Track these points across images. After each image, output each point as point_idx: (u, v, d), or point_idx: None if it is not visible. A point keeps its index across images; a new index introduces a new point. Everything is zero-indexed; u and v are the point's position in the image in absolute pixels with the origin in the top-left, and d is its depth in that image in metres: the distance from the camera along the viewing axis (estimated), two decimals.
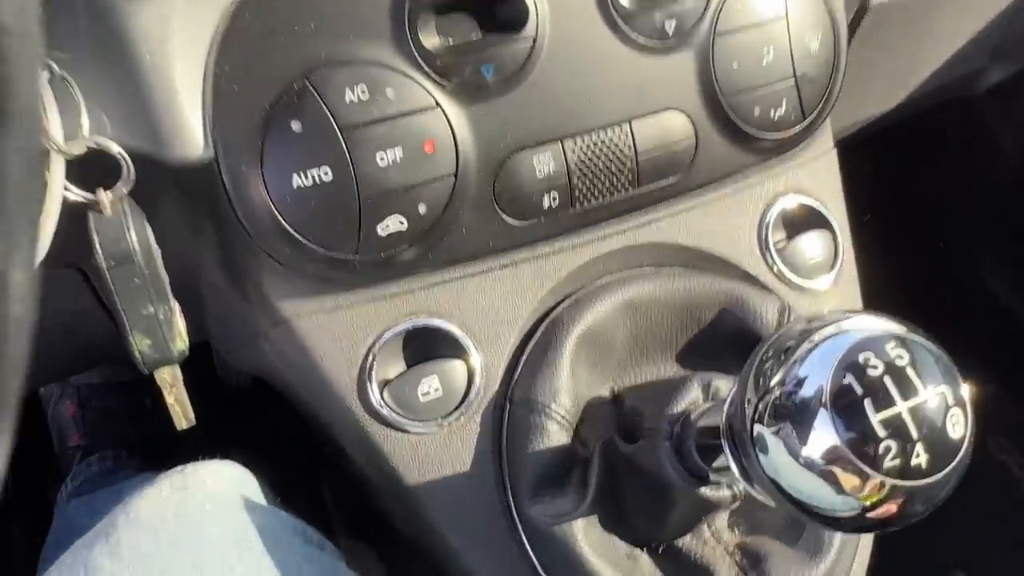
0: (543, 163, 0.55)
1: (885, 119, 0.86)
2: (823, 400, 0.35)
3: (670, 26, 0.56)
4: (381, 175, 0.50)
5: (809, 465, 0.36)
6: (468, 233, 0.55)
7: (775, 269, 0.64)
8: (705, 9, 0.56)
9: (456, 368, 0.56)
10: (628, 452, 0.53)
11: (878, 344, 0.36)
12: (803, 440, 0.36)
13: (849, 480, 0.36)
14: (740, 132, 0.60)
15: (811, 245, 0.65)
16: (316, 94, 0.49)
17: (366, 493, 0.64)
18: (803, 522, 0.54)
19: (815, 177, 0.67)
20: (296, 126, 0.49)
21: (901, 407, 0.34)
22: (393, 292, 0.56)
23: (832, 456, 0.36)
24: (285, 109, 0.49)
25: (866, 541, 0.61)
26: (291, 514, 0.58)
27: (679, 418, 0.51)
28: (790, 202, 0.65)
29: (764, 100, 0.59)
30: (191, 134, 0.49)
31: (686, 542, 0.56)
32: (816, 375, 0.36)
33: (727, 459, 0.42)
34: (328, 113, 0.49)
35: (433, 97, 0.51)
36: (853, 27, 0.70)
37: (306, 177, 0.49)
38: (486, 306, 0.58)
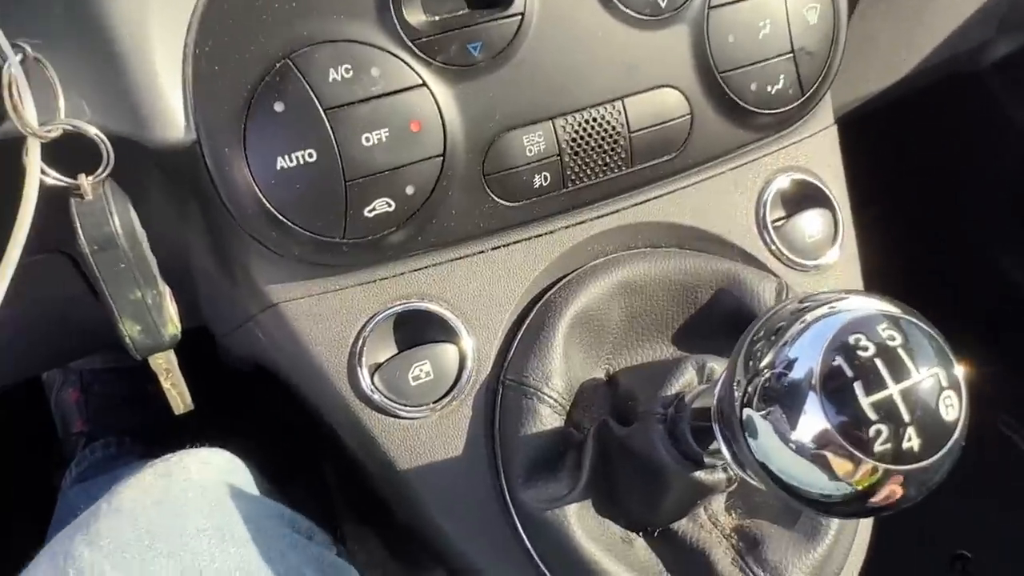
0: (533, 142, 0.54)
1: (888, 94, 0.84)
2: (813, 383, 0.35)
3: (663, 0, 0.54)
4: (367, 156, 0.50)
5: (799, 450, 0.36)
6: (458, 215, 0.54)
7: (773, 248, 0.63)
8: None
9: (447, 352, 0.56)
10: (622, 435, 0.52)
11: (870, 325, 0.35)
12: (793, 424, 0.35)
13: (841, 465, 0.35)
14: (737, 108, 0.59)
15: (811, 223, 0.64)
16: (299, 74, 0.48)
17: (363, 478, 0.64)
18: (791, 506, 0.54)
19: (815, 154, 0.66)
20: (279, 107, 0.48)
21: (892, 389, 0.33)
22: (382, 275, 0.56)
23: (823, 441, 0.35)
24: (267, 90, 0.48)
25: (865, 523, 0.60)
26: (285, 501, 0.58)
27: (673, 401, 0.51)
28: (789, 180, 0.64)
29: (761, 75, 0.58)
30: (172, 116, 0.48)
31: (682, 525, 0.55)
32: (806, 357, 0.35)
33: (719, 443, 0.41)
34: (311, 93, 0.48)
35: (419, 75, 0.50)
36: (853, 0, 0.69)
37: (290, 159, 0.49)
38: (477, 289, 0.57)
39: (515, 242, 0.58)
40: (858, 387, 0.34)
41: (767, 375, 0.36)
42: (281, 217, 0.50)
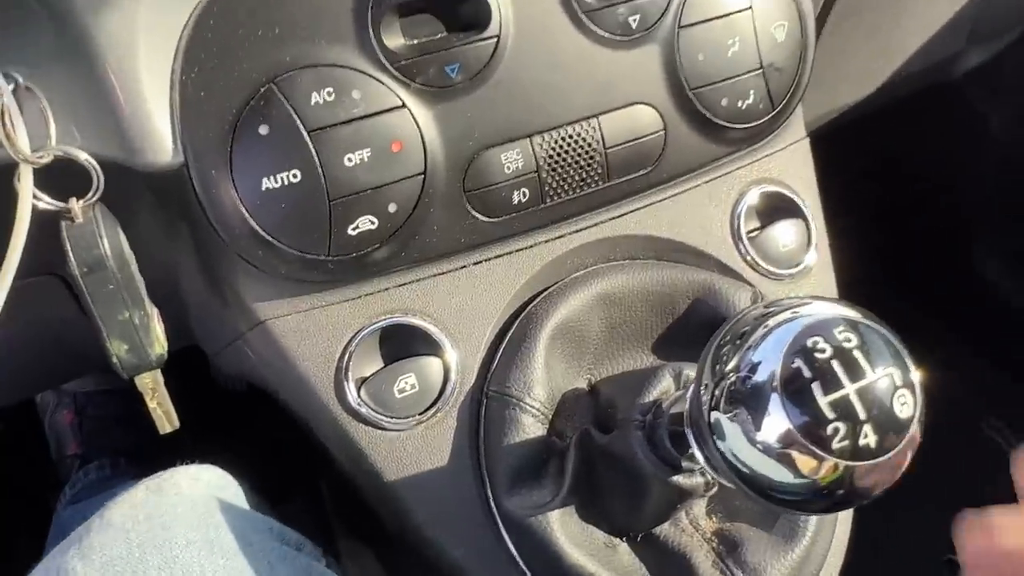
0: (511, 160, 0.56)
1: (862, 107, 0.86)
2: (775, 385, 0.36)
3: (634, 20, 0.56)
4: (349, 176, 0.51)
5: (765, 450, 0.37)
6: (439, 231, 0.56)
7: (748, 258, 0.64)
8: (668, 2, 0.57)
9: (432, 365, 0.57)
10: (603, 443, 0.53)
11: (827, 328, 0.36)
12: (758, 425, 0.37)
13: (805, 463, 0.37)
14: (709, 123, 0.60)
15: (784, 233, 0.66)
16: (283, 97, 0.50)
17: (354, 491, 0.65)
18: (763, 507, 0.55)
19: (787, 166, 0.67)
20: (264, 130, 0.50)
21: (848, 389, 0.35)
22: (367, 291, 0.57)
23: (787, 440, 0.36)
24: (252, 113, 0.49)
25: (843, 525, 0.61)
26: (278, 518, 0.59)
27: (651, 407, 0.52)
28: (762, 192, 0.66)
29: (731, 91, 0.60)
30: (160, 141, 0.49)
31: (664, 529, 0.56)
32: (769, 360, 0.37)
33: (691, 446, 0.43)
34: (295, 116, 0.50)
35: (399, 97, 0.52)
36: (823, 16, 0.71)
37: (275, 180, 0.50)
38: (460, 303, 0.59)
39: (496, 257, 0.60)
40: (816, 388, 0.35)
41: (732, 378, 0.38)
42: (267, 236, 0.52)
